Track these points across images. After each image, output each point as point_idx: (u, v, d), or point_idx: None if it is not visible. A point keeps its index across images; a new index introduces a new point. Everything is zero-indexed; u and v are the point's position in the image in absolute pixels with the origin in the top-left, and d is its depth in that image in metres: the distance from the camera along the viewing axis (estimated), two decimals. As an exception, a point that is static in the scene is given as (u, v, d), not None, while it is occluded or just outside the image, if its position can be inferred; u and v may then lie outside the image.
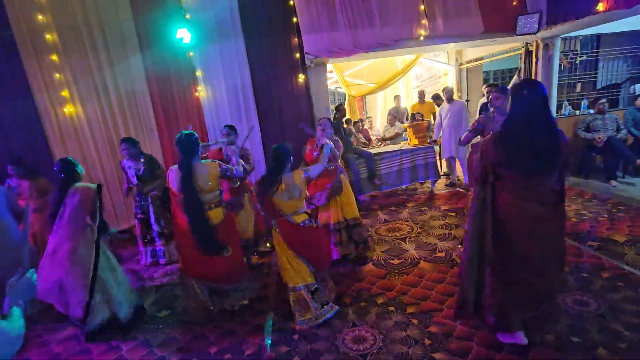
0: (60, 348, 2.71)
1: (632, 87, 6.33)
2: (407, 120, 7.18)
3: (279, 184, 2.55)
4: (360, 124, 6.94)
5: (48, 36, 4.47)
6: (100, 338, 2.70)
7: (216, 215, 2.72)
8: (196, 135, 2.63)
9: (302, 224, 2.63)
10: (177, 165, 2.63)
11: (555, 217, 1.95)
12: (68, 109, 4.69)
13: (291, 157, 2.63)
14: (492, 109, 3.33)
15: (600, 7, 4.38)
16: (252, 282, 3.11)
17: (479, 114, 5.45)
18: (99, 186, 2.73)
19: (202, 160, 2.72)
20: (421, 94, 7.24)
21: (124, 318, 2.77)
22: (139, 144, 3.96)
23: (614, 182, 4.91)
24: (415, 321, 2.53)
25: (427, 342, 2.31)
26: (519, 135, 1.80)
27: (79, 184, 2.72)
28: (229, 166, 2.82)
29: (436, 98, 6.33)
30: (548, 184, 1.88)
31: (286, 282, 2.68)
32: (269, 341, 2.51)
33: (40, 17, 4.41)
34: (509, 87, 3.40)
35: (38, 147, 4.58)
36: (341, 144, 3.64)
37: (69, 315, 2.72)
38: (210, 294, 2.84)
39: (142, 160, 3.91)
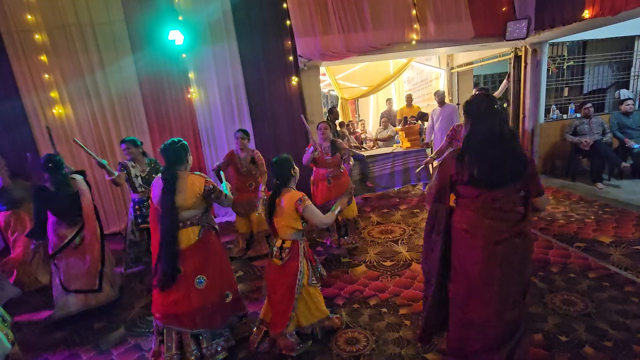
0: (49, 353, 2.67)
1: (617, 92, 6.50)
2: (398, 123, 7.25)
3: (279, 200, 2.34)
4: (351, 125, 6.99)
5: (37, 36, 4.42)
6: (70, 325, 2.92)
7: (189, 234, 2.25)
8: (183, 141, 2.33)
9: (274, 249, 2.34)
10: (160, 175, 2.28)
11: (515, 237, 1.78)
12: (57, 110, 4.63)
13: (294, 170, 2.36)
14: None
15: (587, 14, 4.50)
16: (232, 328, 2.55)
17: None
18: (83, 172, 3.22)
19: (196, 172, 2.37)
20: (409, 98, 7.32)
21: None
22: (141, 144, 3.56)
23: (600, 185, 5.02)
24: (407, 322, 2.55)
25: (419, 343, 2.33)
26: (478, 149, 1.76)
27: (75, 177, 3.04)
28: (219, 187, 2.38)
29: (420, 117, 6.49)
30: (510, 200, 1.78)
31: None
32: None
33: (29, 17, 4.36)
34: (494, 94, 3.37)
35: (26, 148, 4.50)
36: (342, 143, 3.85)
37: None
38: (181, 344, 2.27)
39: (147, 162, 3.55)
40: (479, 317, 1.84)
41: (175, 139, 2.33)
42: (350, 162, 3.88)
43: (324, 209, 3.57)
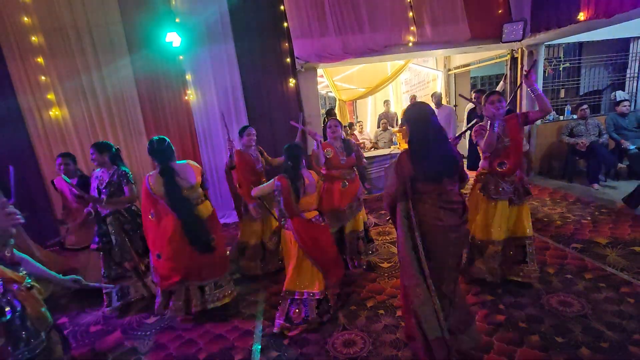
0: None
1: (613, 93, 6.53)
2: (396, 124, 7.26)
3: (301, 181, 2.63)
4: (348, 127, 6.99)
5: (34, 38, 4.41)
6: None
7: (206, 207, 2.78)
8: (167, 140, 2.66)
9: (313, 220, 2.68)
10: (156, 171, 2.63)
11: (463, 224, 2.08)
12: (54, 112, 4.61)
13: (303, 156, 2.72)
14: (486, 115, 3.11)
15: (582, 16, 4.52)
16: (229, 276, 2.96)
17: (467, 119, 5.56)
18: None
19: (180, 161, 2.75)
20: (412, 99, 7.32)
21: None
22: (113, 150, 2.99)
23: (596, 186, 5.04)
24: (404, 324, 2.55)
25: None
26: (421, 151, 2.00)
27: None
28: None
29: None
30: (454, 192, 2.06)
31: (286, 287, 2.63)
32: (259, 346, 2.50)
33: (25, 18, 4.35)
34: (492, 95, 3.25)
35: (22, 150, 4.49)
36: (355, 143, 3.57)
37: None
38: (187, 300, 2.77)
39: (113, 170, 2.96)
40: (442, 296, 2.04)
41: (156, 139, 2.64)
42: (364, 160, 3.61)
43: (335, 216, 3.30)
